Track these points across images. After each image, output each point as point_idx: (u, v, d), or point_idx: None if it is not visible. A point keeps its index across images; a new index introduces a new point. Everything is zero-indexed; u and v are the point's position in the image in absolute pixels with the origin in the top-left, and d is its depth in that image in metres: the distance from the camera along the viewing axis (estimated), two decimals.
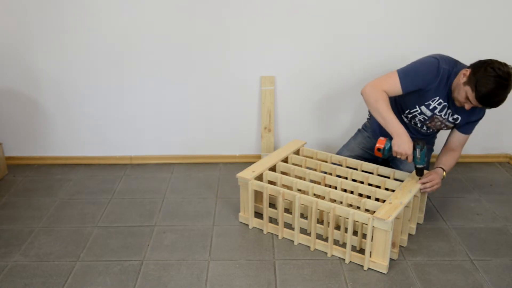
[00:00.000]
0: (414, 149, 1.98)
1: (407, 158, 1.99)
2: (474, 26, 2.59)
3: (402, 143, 1.97)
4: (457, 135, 2.17)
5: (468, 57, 2.09)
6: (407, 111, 2.17)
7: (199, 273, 1.88)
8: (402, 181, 2.12)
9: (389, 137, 2.06)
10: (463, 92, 1.93)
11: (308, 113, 2.81)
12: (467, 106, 1.96)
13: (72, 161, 2.87)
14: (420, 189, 2.06)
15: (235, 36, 2.61)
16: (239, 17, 2.56)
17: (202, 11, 2.54)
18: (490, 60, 1.88)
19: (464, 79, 1.91)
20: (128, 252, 2.01)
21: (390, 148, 2.04)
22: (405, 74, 2.02)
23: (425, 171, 2.08)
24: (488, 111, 2.27)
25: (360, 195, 2.12)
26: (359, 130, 2.47)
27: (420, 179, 2.05)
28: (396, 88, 2.02)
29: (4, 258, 1.96)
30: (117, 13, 2.53)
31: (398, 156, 2.01)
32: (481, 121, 2.14)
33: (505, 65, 1.85)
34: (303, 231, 2.15)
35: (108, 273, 1.88)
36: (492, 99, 1.86)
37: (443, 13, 2.56)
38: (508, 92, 1.85)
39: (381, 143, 2.06)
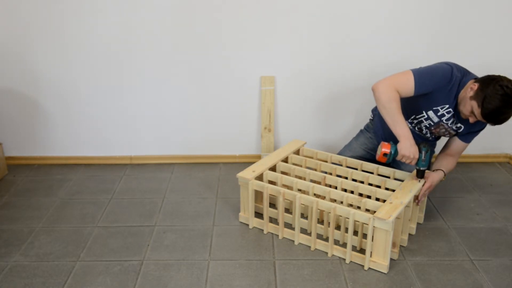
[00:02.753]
0: (420, 151, 1.98)
1: (411, 161, 1.99)
2: (477, 29, 2.59)
3: (410, 146, 1.95)
4: (457, 142, 2.17)
5: (470, 56, 2.09)
6: (412, 117, 2.14)
7: (199, 273, 1.88)
8: (402, 180, 2.12)
9: (391, 141, 2.05)
10: (469, 106, 1.91)
11: (308, 113, 2.81)
12: (471, 120, 1.95)
13: (72, 161, 2.87)
14: (417, 202, 2.06)
15: (235, 36, 2.61)
16: (239, 17, 2.56)
17: (202, 11, 2.54)
18: (499, 76, 1.85)
19: (471, 93, 1.89)
20: (128, 252, 2.01)
21: (396, 152, 2.01)
22: (420, 74, 1.98)
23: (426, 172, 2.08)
24: None
25: (361, 195, 2.12)
26: (361, 130, 2.46)
27: (420, 180, 2.05)
28: (409, 88, 1.97)
29: (4, 258, 1.96)
30: (117, 14, 2.53)
31: (403, 160, 1.98)
32: None
33: None
34: (304, 231, 2.14)
35: (108, 273, 1.88)
36: (497, 117, 1.85)
37: (446, 15, 2.56)
38: None
39: (386, 147, 2.01)
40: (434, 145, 2.37)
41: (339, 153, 2.41)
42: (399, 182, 2.09)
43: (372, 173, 2.23)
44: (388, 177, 2.18)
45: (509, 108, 1.83)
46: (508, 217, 2.31)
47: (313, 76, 2.71)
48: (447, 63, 2.02)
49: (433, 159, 2.47)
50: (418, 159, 1.98)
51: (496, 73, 1.92)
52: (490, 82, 1.84)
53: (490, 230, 2.20)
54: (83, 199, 2.45)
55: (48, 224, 2.22)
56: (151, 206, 2.39)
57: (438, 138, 2.29)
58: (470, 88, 1.90)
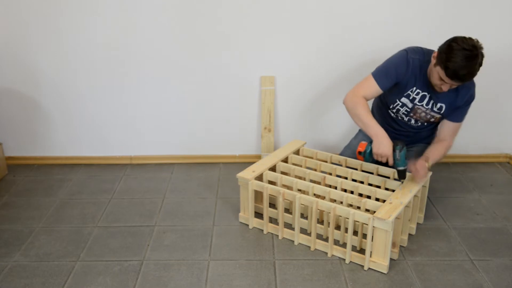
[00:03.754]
0: (394, 150, 1.99)
1: (387, 160, 2.01)
2: (477, 29, 2.59)
3: (382, 145, 1.99)
4: (446, 124, 2.18)
5: None
6: (391, 107, 2.22)
7: (199, 273, 1.88)
8: None
9: (369, 141, 2.07)
10: (435, 73, 1.96)
11: (308, 113, 2.81)
12: (444, 88, 1.98)
13: (72, 161, 2.87)
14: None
15: (235, 36, 2.61)
16: (239, 17, 2.56)
17: (202, 12, 2.54)
18: (454, 37, 1.91)
19: (434, 61, 1.96)
20: (128, 252, 2.01)
21: (371, 151, 2.04)
22: (378, 73, 2.10)
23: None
24: (486, 109, 2.26)
25: (360, 195, 2.11)
26: (360, 130, 2.47)
27: (402, 182, 2.05)
28: (374, 89, 2.09)
29: (4, 258, 1.96)
30: (117, 13, 2.53)
31: (379, 159, 2.03)
32: (481, 121, 2.13)
33: (469, 39, 1.88)
34: (303, 231, 2.14)
35: (108, 273, 1.88)
36: (461, 72, 1.87)
37: (446, 15, 2.56)
38: (476, 63, 1.87)
39: (362, 146, 2.08)
40: (429, 142, 2.35)
41: (340, 154, 2.41)
42: (399, 182, 2.09)
43: (372, 173, 2.23)
44: (388, 177, 2.18)
45: (469, 61, 1.85)
46: (508, 217, 2.31)
47: (313, 76, 2.71)
48: (403, 49, 2.10)
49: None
50: (394, 159, 1.99)
51: (496, 72, 1.92)
52: (446, 44, 1.91)
53: (490, 230, 2.20)
54: (83, 199, 2.45)
55: (48, 224, 2.22)
56: (151, 206, 2.39)
57: (430, 124, 2.25)
58: (433, 57, 1.97)
